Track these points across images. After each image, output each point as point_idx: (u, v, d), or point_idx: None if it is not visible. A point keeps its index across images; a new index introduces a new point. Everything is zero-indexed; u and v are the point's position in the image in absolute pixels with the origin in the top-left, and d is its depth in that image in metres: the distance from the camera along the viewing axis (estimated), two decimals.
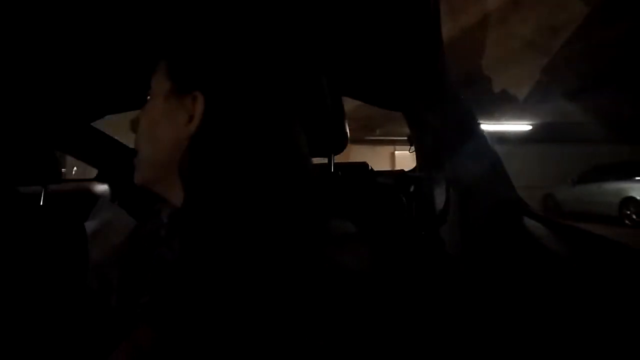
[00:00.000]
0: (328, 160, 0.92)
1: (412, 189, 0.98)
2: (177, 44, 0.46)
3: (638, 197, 5.92)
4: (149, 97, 0.47)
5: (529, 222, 0.70)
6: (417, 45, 0.77)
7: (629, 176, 6.18)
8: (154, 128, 0.45)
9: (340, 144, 0.83)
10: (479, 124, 0.88)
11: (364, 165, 1.16)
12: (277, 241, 0.39)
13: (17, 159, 0.99)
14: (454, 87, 0.89)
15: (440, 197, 0.96)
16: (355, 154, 2.49)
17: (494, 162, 0.82)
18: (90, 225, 1.08)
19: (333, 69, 0.83)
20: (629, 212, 6.05)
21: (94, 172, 1.43)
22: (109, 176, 1.38)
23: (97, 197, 1.19)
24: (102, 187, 1.32)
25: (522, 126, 7.00)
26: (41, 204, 1.04)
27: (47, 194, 1.04)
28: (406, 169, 1.24)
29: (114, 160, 1.35)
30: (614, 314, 0.49)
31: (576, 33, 3.73)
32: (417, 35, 0.74)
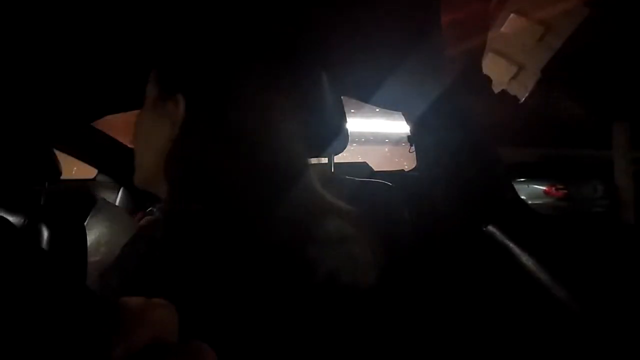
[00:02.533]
0: (328, 160, 0.92)
1: (411, 189, 0.99)
2: (164, 50, 0.48)
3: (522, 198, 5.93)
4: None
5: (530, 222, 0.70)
6: (417, 45, 0.77)
7: (514, 177, 6.23)
8: (144, 133, 0.48)
9: (340, 144, 0.83)
10: (479, 124, 0.88)
11: (364, 165, 1.17)
12: (261, 243, 0.39)
13: (17, 159, 0.99)
14: (454, 87, 0.89)
15: (439, 197, 0.96)
16: None
17: (493, 161, 0.82)
18: (90, 226, 1.08)
19: (333, 69, 0.83)
20: None
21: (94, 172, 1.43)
22: (108, 176, 1.38)
23: (97, 197, 1.20)
24: (102, 187, 1.32)
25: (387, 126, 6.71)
26: (41, 203, 1.04)
27: (47, 193, 1.04)
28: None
29: (113, 160, 1.35)
30: None
31: None
32: (417, 35, 0.74)
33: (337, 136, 0.82)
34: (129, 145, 1.31)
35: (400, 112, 1.16)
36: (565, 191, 4.04)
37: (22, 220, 0.88)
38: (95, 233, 1.03)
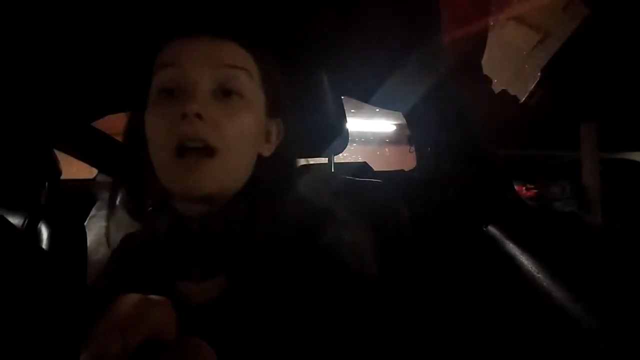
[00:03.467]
0: (328, 160, 0.92)
1: (411, 189, 0.99)
2: (273, 66, 0.48)
3: None
4: (239, 97, 0.44)
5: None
6: (417, 45, 0.77)
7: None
8: (247, 136, 0.44)
9: (340, 144, 0.83)
10: (479, 124, 0.88)
11: (364, 165, 1.16)
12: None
13: (17, 159, 0.99)
14: (454, 87, 0.89)
15: (439, 197, 0.96)
16: None
17: (493, 161, 0.82)
18: (89, 226, 1.08)
19: (333, 69, 0.83)
20: None
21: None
22: (108, 176, 1.38)
23: (97, 197, 1.20)
24: (102, 187, 1.32)
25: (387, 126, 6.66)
26: (41, 203, 1.04)
27: (47, 193, 1.04)
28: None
29: (113, 160, 1.35)
30: None
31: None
32: (418, 34, 0.74)
33: (337, 136, 0.82)
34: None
35: (401, 112, 1.16)
36: (536, 191, 4.11)
37: (23, 220, 0.88)
38: (95, 233, 1.03)
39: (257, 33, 0.46)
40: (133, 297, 0.22)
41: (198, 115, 0.40)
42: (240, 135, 0.43)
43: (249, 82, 0.44)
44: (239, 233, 0.43)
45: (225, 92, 0.43)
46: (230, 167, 0.42)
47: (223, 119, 0.42)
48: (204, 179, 0.41)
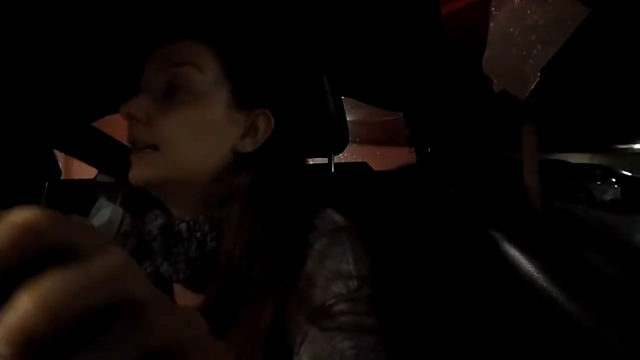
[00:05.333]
0: (328, 160, 0.92)
1: (411, 189, 0.98)
2: (239, 57, 0.47)
3: None
4: (185, 92, 0.44)
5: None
6: (417, 45, 0.77)
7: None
8: (191, 130, 0.44)
9: (341, 144, 0.83)
10: (479, 123, 0.88)
11: (364, 165, 1.16)
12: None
13: (17, 159, 0.99)
14: (454, 87, 0.89)
15: (440, 198, 0.96)
16: None
17: (494, 162, 0.82)
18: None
19: (334, 69, 0.83)
20: None
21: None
22: (108, 176, 1.38)
23: (96, 197, 1.19)
24: (102, 187, 1.32)
25: None
26: (41, 203, 1.04)
27: (47, 193, 1.04)
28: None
29: (113, 160, 1.35)
30: None
31: None
32: (418, 34, 0.74)
33: (337, 136, 0.82)
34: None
35: (401, 112, 1.16)
36: None
37: None
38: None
39: (211, 29, 0.46)
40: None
41: (131, 116, 0.43)
42: (181, 129, 0.43)
43: (199, 77, 0.44)
44: (210, 240, 0.44)
45: (172, 90, 0.44)
46: (175, 160, 0.43)
47: (161, 117, 0.43)
48: (145, 170, 0.44)
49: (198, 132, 0.44)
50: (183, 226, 0.44)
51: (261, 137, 0.47)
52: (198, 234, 0.44)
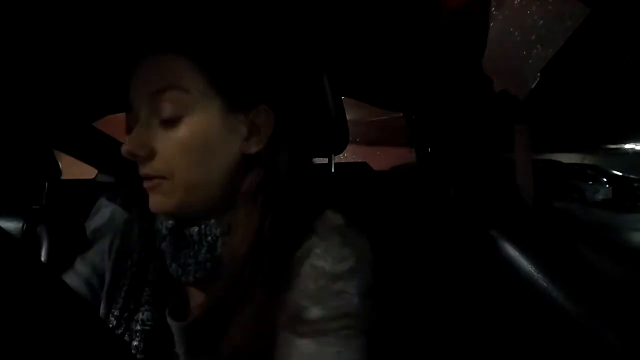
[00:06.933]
0: (328, 160, 0.92)
1: (411, 189, 0.99)
2: (223, 64, 0.44)
3: None
4: (174, 117, 0.42)
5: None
6: (417, 45, 0.77)
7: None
8: (210, 148, 0.43)
9: (341, 144, 0.83)
10: (479, 123, 0.88)
11: (364, 165, 1.17)
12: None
13: (17, 159, 1.00)
14: (454, 87, 0.89)
15: (440, 198, 0.96)
16: None
17: (494, 162, 0.82)
18: (90, 226, 1.08)
19: (334, 69, 0.83)
20: None
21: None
22: (109, 176, 1.38)
23: (97, 197, 1.19)
24: (102, 187, 1.32)
25: None
26: (41, 203, 1.04)
27: (47, 193, 1.04)
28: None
29: (114, 160, 1.35)
30: None
31: None
32: (418, 34, 0.74)
33: (337, 136, 0.82)
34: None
35: (401, 112, 1.17)
36: None
37: (22, 220, 0.88)
38: (94, 232, 1.03)
39: (189, 42, 0.43)
40: None
41: (133, 154, 0.42)
42: (185, 154, 0.42)
43: (185, 97, 0.42)
44: (221, 245, 0.44)
45: (164, 118, 0.42)
46: (188, 184, 0.43)
47: (162, 147, 0.42)
48: (163, 200, 0.43)
49: (202, 151, 0.43)
50: (194, 230, 0.44)
51: (264, 135, 0.45)
52: (209, 237, 0.44)
